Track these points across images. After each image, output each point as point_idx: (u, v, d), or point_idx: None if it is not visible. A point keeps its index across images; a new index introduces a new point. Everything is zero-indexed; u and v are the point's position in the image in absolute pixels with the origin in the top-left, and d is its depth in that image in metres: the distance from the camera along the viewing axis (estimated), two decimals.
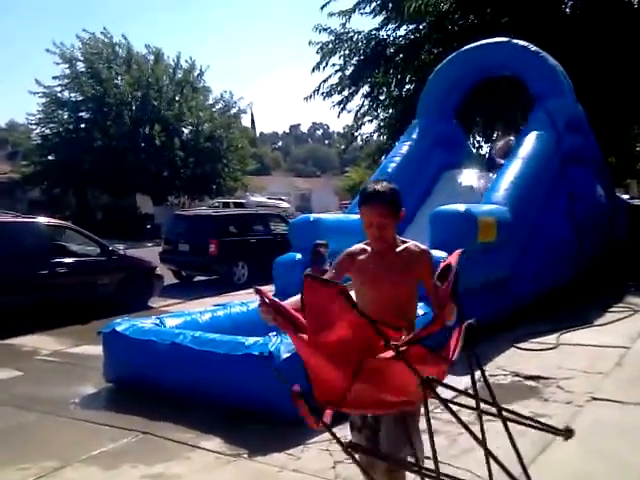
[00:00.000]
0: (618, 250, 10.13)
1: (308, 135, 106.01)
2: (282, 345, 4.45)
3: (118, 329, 5.46)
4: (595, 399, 4.80)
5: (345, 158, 53.55)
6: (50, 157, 28.89)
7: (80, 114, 29.02)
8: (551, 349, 6.30)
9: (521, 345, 6.46)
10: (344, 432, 4.32)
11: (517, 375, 5.60)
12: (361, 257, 2.53)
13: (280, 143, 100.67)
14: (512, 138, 9.95)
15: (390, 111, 16.09)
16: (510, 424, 4.38)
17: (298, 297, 2.25)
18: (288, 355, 4.37)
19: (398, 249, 2.53)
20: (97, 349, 5.96)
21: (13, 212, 10.36)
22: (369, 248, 2.54)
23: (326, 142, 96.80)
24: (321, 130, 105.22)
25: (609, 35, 11.95)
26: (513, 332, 6.80)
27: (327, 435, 4.27)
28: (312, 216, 8.35)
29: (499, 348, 6.34)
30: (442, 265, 2.27)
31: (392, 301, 2.45)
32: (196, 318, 6.12)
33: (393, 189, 2.46)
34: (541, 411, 4.63)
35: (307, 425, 4.28)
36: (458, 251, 2.39)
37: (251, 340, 4.73)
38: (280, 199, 39.30)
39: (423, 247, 2.57)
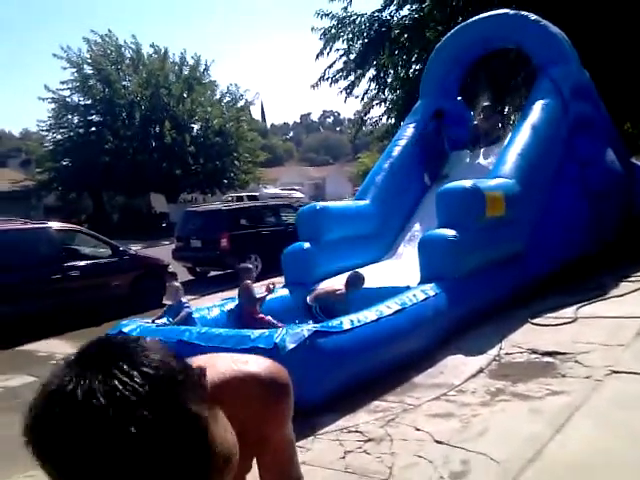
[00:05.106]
0: (636, 218, 9.86)
1: (319, 123, 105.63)
2: (287, 336, 4.37)
3: (125, 330, 5.40)
4: (615, 372, 4.63)
5: (357, 144, 53.17)
6: (63, 162, 29.08)
7: (90, 117, 29.15)
8: (569, 323, 6.11)
9: (537, 321, 6.28)
10: (355, 420, 4.25)
11: (534, 352, 5.43)
12: None
13: (291, 133, 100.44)
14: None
15: (398, 93, 15.85)
16: (523, 402, 4.29)
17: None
18: (294, 346, 4.29)
19: None
20: None
21: (23, 219, 10.38)
22: None
23: (337, 129, 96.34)
24: (332, 117, 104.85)
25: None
26: (529, 308, 6.60)
27: (339, 424, 4.21)
28: (319, 204, 8.23)
29: (515, 325, 6.17)
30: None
31: None
32: (204, 314, 6.06)
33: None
34: (559, 387, 4.49)
35: (319, 416, 4.23)
36: None
37: (257, 333, 4.65)
38: (293, 189, 39.17)
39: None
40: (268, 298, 6.41)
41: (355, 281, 6.33)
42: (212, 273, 13.91)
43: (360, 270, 7.56)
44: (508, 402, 4.33)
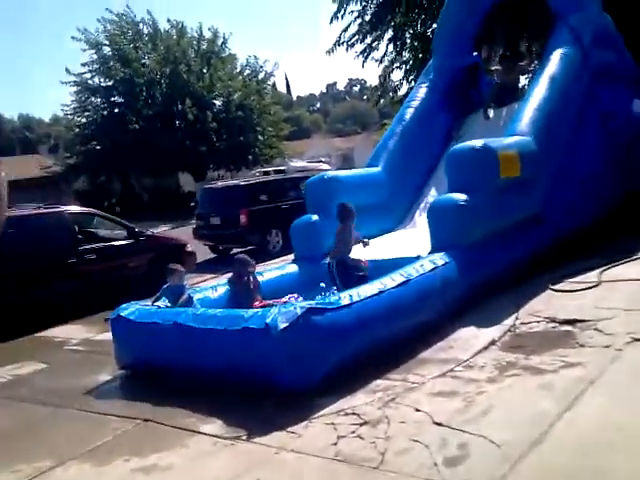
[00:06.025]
0: None
1: (345, 93, 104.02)
2: (279, 316, 4.15)
3: (123, 314, 5.27)
4: (636, 340, 4.28)
5: (385, 111, 52.12)
6: (90, 145, 29.20)
7: (112, 99, 29.14)
8: (592, 288, 5.72)
9: (558, 287, 5.90)
10: (354, 401, 4.02)
11: (552, 320, 5.09)
12: None
13: (318, 104, 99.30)
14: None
15: (416, 53, 15.26)
16: (534, 377, 3.99)
17: None
18: (286, 325, 4.08)
19: None
20: None
21: (36, 203, 10.34)
22: None
23: (364, 98, 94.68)
24: (358, 86, 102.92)
25: None
26: (549, 273, 6.19)
27: (335, 407, 3.98)
28: (327, 174, 7.91)
29: (533, 292, 5.81)
30: None
31: None
32: (208, 295, 5.88)
33: None
34: (575, 359, 4.17)
35: (315, 398, 4.02)
36: None
37: (250, 312, 4.45)
38: (320, 161, 38.66)
39: None
40: (261, 280, 6.07)
41: (340, 210, 6.17)
42: (234, 250, 13.79)
43: (373, 240, 7.23)
44: (517, 377, 4.03)
